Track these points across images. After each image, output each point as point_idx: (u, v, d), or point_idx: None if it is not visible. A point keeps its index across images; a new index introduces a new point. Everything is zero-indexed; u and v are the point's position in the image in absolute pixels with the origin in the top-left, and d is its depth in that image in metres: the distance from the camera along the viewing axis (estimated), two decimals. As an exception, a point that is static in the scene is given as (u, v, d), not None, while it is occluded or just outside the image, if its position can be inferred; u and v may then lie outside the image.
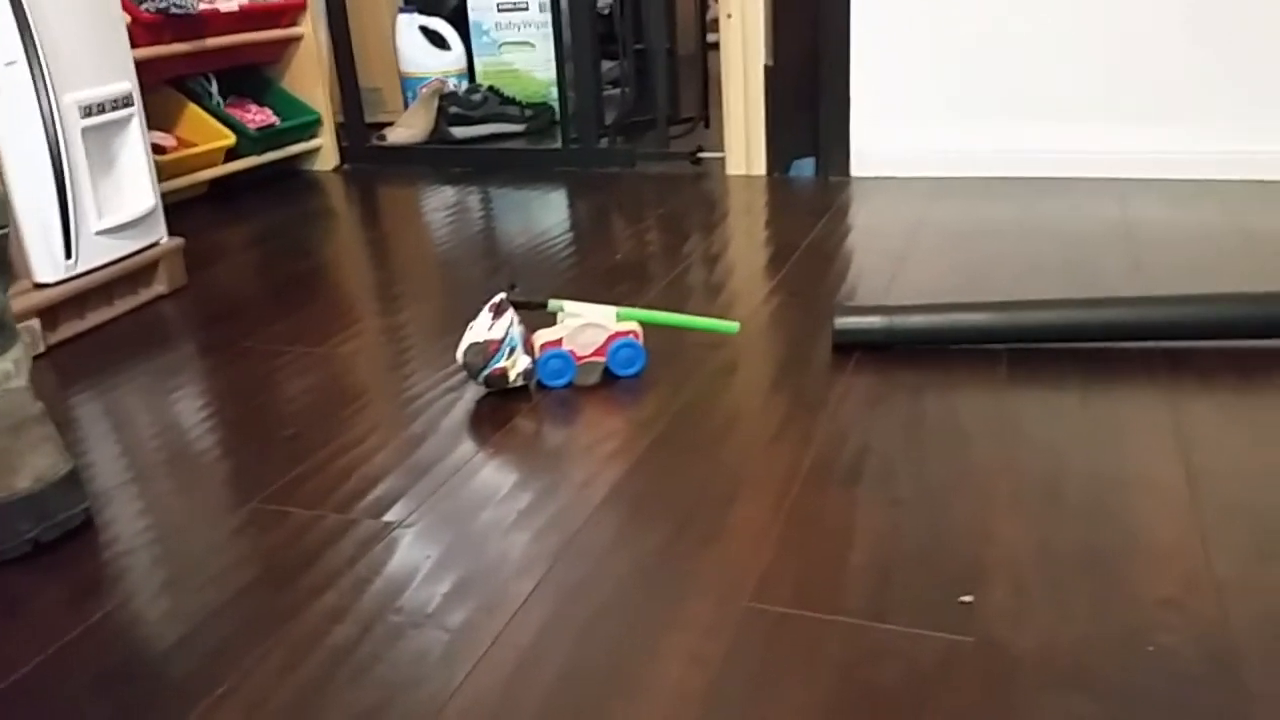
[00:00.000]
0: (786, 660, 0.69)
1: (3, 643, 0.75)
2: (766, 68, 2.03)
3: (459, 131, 2.50)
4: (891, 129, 2.01)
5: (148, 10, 1.89)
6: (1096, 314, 1.13)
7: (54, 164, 1.31)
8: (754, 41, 2.02)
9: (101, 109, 1.40)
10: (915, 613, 0.73)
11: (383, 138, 2.47)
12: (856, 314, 1.17)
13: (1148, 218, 1.64)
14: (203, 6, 2.01)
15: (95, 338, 1.38)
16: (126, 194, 1.47)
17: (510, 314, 1.10)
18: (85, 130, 1.37)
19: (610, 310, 1.14)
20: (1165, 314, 1.12)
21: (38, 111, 1.29)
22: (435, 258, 1.67)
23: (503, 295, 1.11)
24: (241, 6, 2.10)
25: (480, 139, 2.51)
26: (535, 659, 0.70)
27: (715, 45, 2.22)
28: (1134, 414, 1.00)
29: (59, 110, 1.31)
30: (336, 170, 2.39)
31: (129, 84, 1.46)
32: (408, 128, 2.49)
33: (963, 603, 0.74)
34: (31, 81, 1.27)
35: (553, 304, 1.13)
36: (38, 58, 1.28)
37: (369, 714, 0.66)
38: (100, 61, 1.41)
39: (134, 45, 1.50)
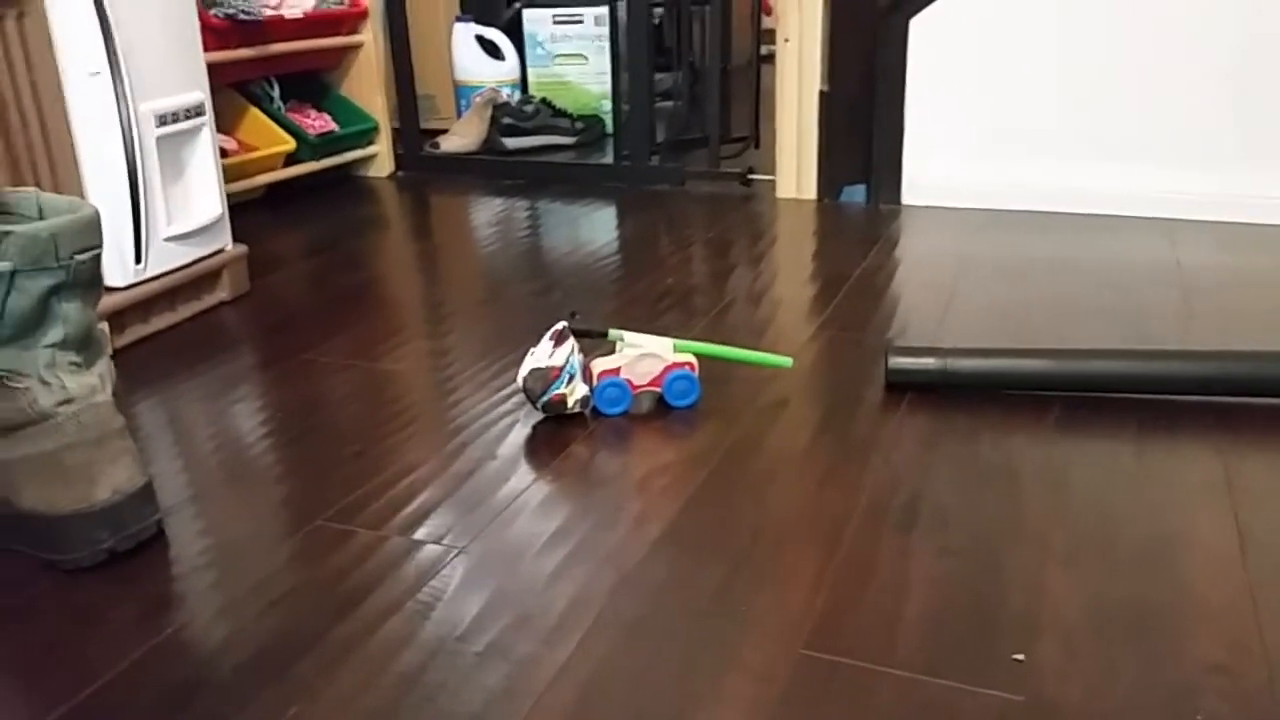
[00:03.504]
0: (840, 711, 0.71)
1: (79, 653, 0.78)
2: (821, 93, 2.05)
3: (511, 142, 2.53)
4: (944, 159, 2.01)
5: (216, 16, 1.93)
6: (1151, 366, 1.14)
7: (130, 172, 1.34)
8: (810, 66, 2.03)
9: (175, 118, 1.44)
10: (967, 668, 0.74)
11: (436, 145, 2.51)
12: (911, 355, 1.18)
13: (1199, 261, 1.64)
14: (268, 13, 2.05)
15: (159, 342, 1.41)
16: (195, 201, 1.50)
17: (571, 342, 1.12)
18: (159, 139, 1.40)
19: (668, 342, 1.16)
20: (1220, 369, 1.13)
21: (117, 121, 1.32)
22: (486, 273, 1.70)
23: (564, 323, 1.13)
24: (306, 14, 2.14)
25: (531, 150, 2.53)
26: (596, 696, 0.72)
27: (769, 57, 2.23)
28: (1186, 469, 1.01)
29: (136, 119, 1.35)
30: (391, 177, 2.42)
31: (202, 93, 1.49)
32: (461, 136, 2.52)
33: (1015, 660, 0.75)
34: (113, 91, 1.31)
35: (612, 334, 1.16)
36: (119, 68, 1.31)
37: (435, 743, 0.68)
38: (176, 71, 1.44)
39: (203, 50, 1.53)
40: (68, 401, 0.86)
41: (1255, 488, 0.98)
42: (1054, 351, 1.17)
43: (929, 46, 1.98)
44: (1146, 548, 0.88)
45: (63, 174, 1.32)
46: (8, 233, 0.82)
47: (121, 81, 1.32)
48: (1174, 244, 1.73)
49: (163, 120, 1.41)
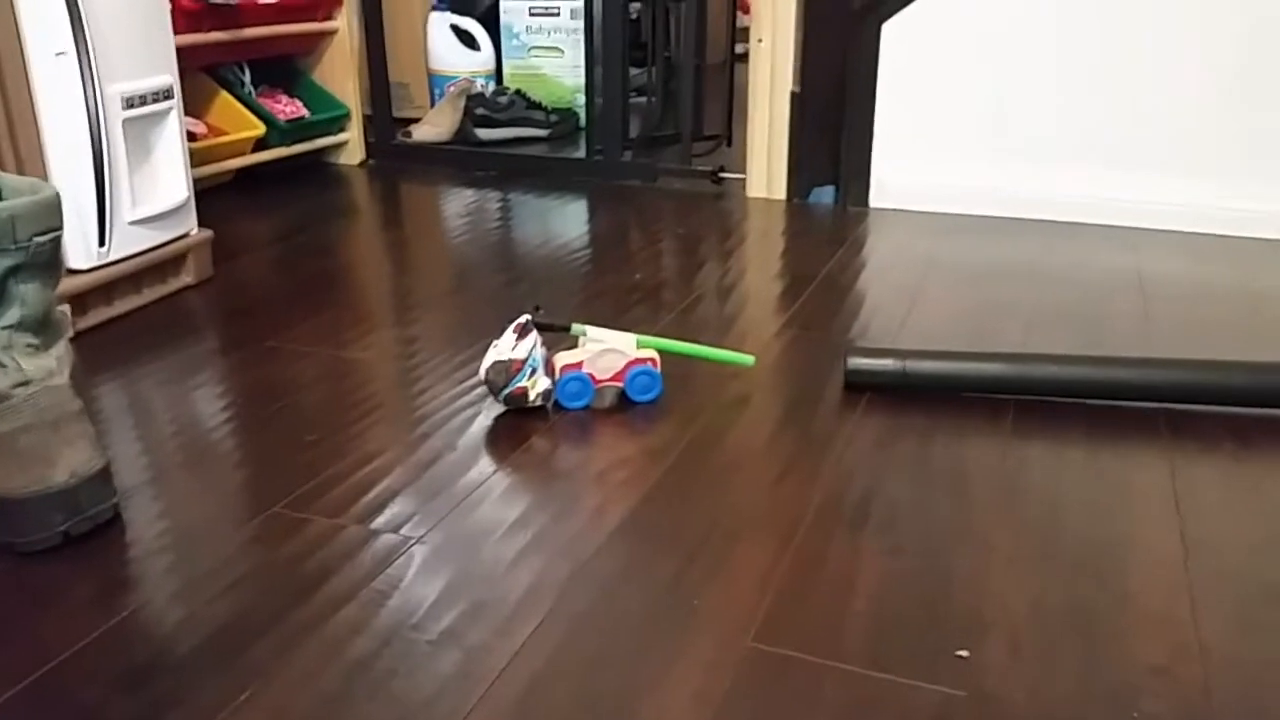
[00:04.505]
0: (786, 704, 0.72)
1: (33, 634, 0.78)
2: (793, 94, 2.06)
3: (484, 133, 2.53)
4: (913, 163, 2.03)
5: (188, -2, 1.91)
6: (1104, 372, 1.16)
7: (95, 154, 1.34)
8: (782, 67, 2.05)
9: (143, 101, 1.43)
10: (913, 664, 0.76)
11: (408, 134, 2.50)
12: (871, 355, 1.20)
13: (1160, 270, 1.67)
14: (242, -3, 2.04)
15: (122, 326, 1.41)
16: (161, 185, 1.50)
17: (534, 336, 1.13)
18: (126, 121, 1.40)
19: (630, 338, 1.17)
20: (1171, 377, 1.15)
21: (83, 102, 1.31)
22: (455, 263, 1.70)
23: (527, 317, 1.14)
24: (280, -1, 2.13)
25: (504, 142, 2.53)
26: (546, 684, 0.73)
27: (743, 56, 2.24)
28: (1134, 474, 1.03)
29: (103, 101, 1.34)
30: (361, 165, 2.41)
31: (170, 77, 1.48)
32: (433, 126, 2.52)
33: (959, 657, 0.77)
34: (79, 72, 1.30)
35: (575, 328, 1.16)
36: (86, 49, 1.30)
37: (385, 729, 0.69)
38: (144, 53, 1.44)
39: (173, 32, 1.52)
40: (24, 384, 0.86)
41: (1201, 493, 1.00)
42: (1010, 355, 1.19)
43: (901, 51, 1.99)
44: (1092, 550, 0.90)
45: (27, 155, 1.31)
46: (-33, 212, 0.82)
47: (88, 62, 1.31)
48: (1137, 253, 1.76)
49: (130, 103, 1.40)
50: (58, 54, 1.29)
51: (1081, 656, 0.77)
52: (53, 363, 0.88)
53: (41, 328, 0.88)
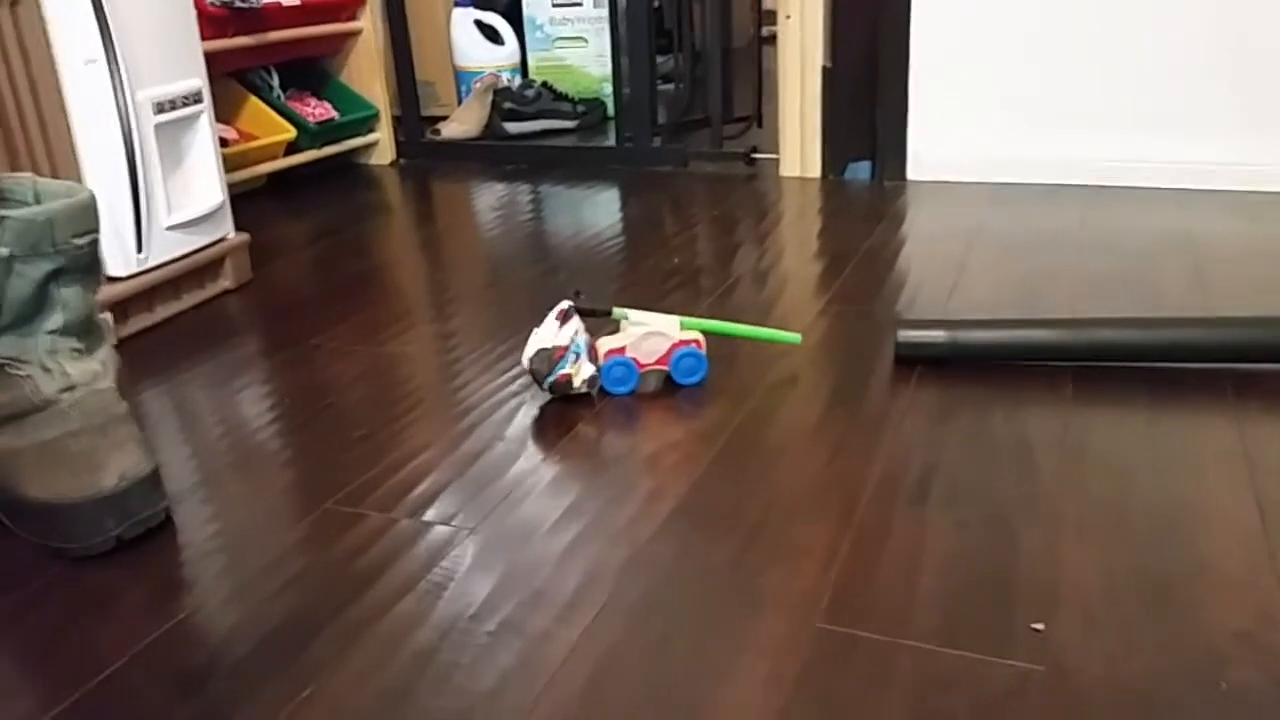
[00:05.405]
0: (859, 685, 0.70)
1: (88, 641, 0.78)
2: (824, 69, 2.03)
3: (512, 127, 2.51)
4: (949, 133, 2.00)
5: (213, 4, 1.91)
6: (1163, 334, 1.13)
7: (128, 160, 1.33)
8: (812, 43, 2.01)
9: (173, 105, 1.42)
10: (985, 639, 0.73)
11: (437, 132, 2.49)
12: (920, 328, 1.17)
13: (1211, 230, 1.62)
14: (265, 0, 2.04)
15: (163, 332, 1.41)
16: (195, 189, 1.49)
17: (576, 321, 1.11)
18: (158, 126, 1.39)
19: (674, 319, 1.15)
20: (1233, 336, 1.11)
21: (114, 109, 1.31)
22: (489, 257, 1.69)
23: (568, 302, 1.12)
24: (304, 1, 2.12)
25: (533, 134, 2.52)
26: (612, 673, 0.71)
27: (770, 39, 2.21)
28: (1201, 437, 1.00)
29: (134, 107, 1.34)
30: (392, 164, 2.41)
31: (200, 80, 1.48)
32: (461, 123, 2.51)
33: (1034, 629, 0.74)
34: (109, 79, 1.30)
35: (617, 312, 1.14)
36: (115, 56, 1.30)
37: (449, 723, 0.67)
38: (173, 58, 1.43)
39: (200, 39, 1.52)
40: (70, 388, 0.85)
41: (1272, 453, 0.96)
42: (1064, 321, 1.16)
43: (933, 18, 1.96)
44: (1164, 517, 0.87)
45: (61, 164, 1.31)
46: (4, 218, 0.81)
47: (118, 69, 1.31)
48: (1186, 213, 1.72)
49: (160, 108, 1.40)
50: (88, 62, 1.29)
51: (1161, 626, 0.74)
52: (97, 366, 0.87)
53: (84, 332, 0.88)
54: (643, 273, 1.56)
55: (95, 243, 0.87)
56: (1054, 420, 1.04)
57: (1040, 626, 0.74)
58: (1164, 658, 0.71)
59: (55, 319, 0.85)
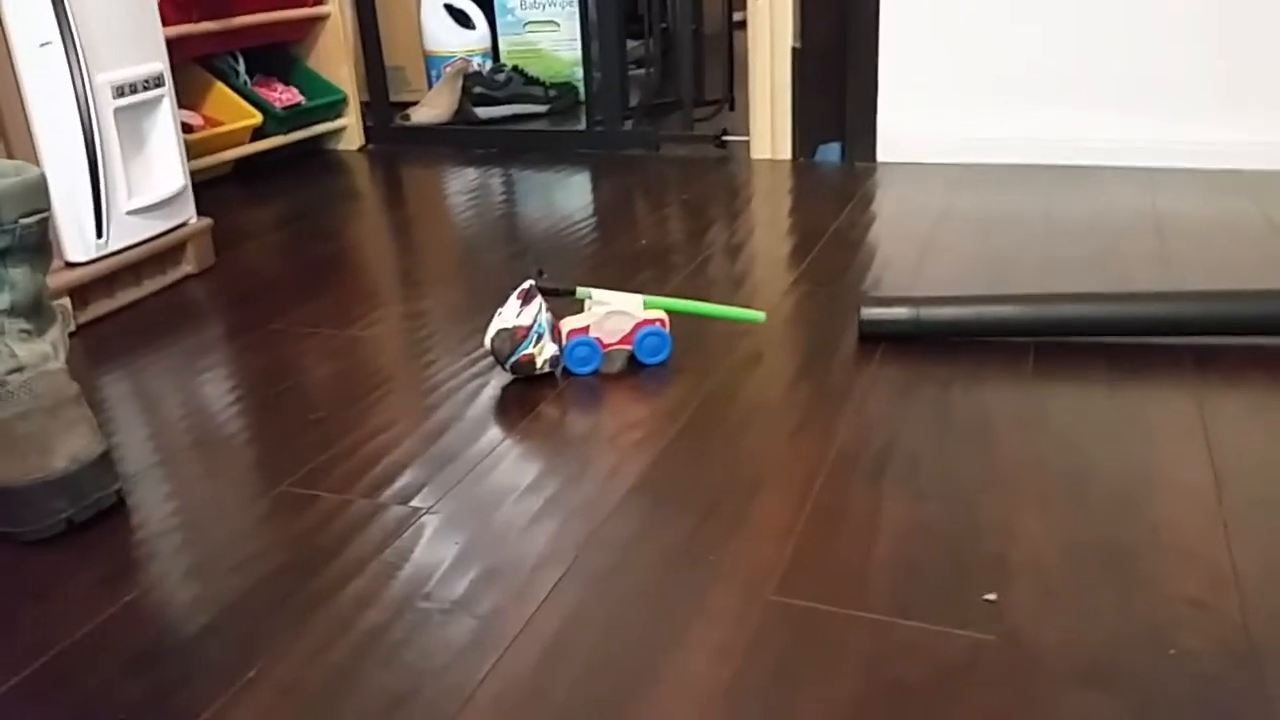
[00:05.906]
0: (810, 655, 0.70)
1: (35, 623, 0.77)
2: (794, 50, 2.02)
3: (483, 112, 2.50)
4: (919, 115, 2.00)
5: (176, -12, 1.89)
6: (1124, 308, 1.13)
7: (87, 144, 1.32)
8: (782, 24, 2.01)
9: (133, 89, 1.41)
10: (939, 610, 0.73)
11: (406, 117, 2.48)
12: (883, 305, 1.17)
13: (1176, 209, 1.63)
14: (230, -16, 2.02)
15: (124, 317, 1.39)
16: (157, 174, 1.48)
17: (538, 301, 1.10)
18: (117, 110, 1.38)
19: (637, 298, 1.14)
20: (1193, 309, 1.12)
21: (71, 92, 1.29)
22: (459, 241, 1.68)
23: (531, 282, 1.12)
24: (269, -15, 2.11)
25: (504, 119, 2.51)
26: (563, 648, 0.71)
27: (742, 24, 2.21)
28: (1160, 410, 1.00)
29: (92, 90, 1.32)
30: (361, 150, 2.39)
31: (160, 64, 1.46)
32: (431, 108, 2.49)
33: (987, 600, 0.74)
34: (66, 62, 1.28)
35: (580, 291, 1.14)
36: (72, 38, 1.28)
37: (399, 699, 0.67)
38: (132, 41, 1.41)
39: (163, 24, 1.50)
40: (18, 370, 0.84)
41: (1229, 426, 0.97)
42: (1025, 296, 1.16)
43: (902, 1, 1.95)
44: (1121, 488, 0.88)
45: (17, 147, 1.29)
46: (-51, 197, 0.80)
47: (75, 52, 1.29)
48: (1153, 192, 1.72)
49: (120, 91, 1.38)
50: (43, 44, 1.27)
51: (1115, 595, 0.74)
52: (47, 348, 0.86)
53: (34, 313, 0.86)
54: (612, 254, 1.55)
55: (45, 222, 0.86)
56: (1014, 395, 1.05)
57: (993, 597, 0.74)
58: (1117, 625, 0.71)
59: (3, 299, 0.84)
